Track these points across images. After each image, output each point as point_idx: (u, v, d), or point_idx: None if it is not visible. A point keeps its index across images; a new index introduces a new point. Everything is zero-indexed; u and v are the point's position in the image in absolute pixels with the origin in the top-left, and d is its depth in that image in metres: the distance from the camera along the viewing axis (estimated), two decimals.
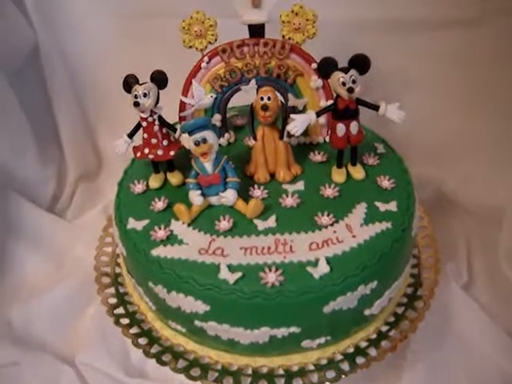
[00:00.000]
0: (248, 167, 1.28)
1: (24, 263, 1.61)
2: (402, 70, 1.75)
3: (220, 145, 1.35)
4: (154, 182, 1.27)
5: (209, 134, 1.12)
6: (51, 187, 1.86)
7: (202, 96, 1.30)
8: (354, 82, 1.13)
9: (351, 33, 1.70)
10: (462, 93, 1.79)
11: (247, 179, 1.26)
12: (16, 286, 1.55)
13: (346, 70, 1.13)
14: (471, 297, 1.44)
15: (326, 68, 1.16)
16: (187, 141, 1.14)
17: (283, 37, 1.30)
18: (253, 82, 1.30)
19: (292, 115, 1.17)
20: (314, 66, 1.29)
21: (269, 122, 1.21)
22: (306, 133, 1.28)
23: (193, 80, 1.31)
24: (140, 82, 1.19)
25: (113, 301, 1.32)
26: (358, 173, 1.25)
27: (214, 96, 1.32)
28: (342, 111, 1.17)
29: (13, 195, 1.72)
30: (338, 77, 1.13)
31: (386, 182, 1.23)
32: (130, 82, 1.19)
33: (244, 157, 1.31)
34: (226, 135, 1.39)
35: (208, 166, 1.14)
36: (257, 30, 1.30)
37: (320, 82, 1.30)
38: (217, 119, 1.35)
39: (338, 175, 1.25)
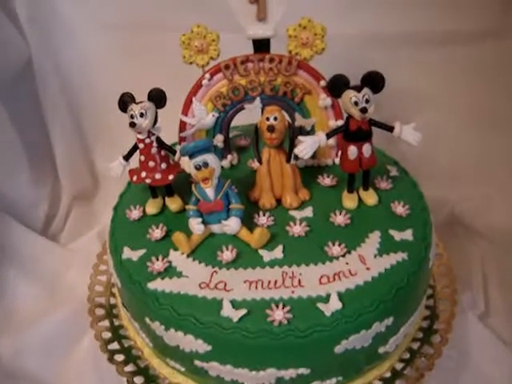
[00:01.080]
0: (252, 192, 1.20)
1: (15, 290, 1.53)
2: (413, 87, 1.68)
3: (222, 167, 1.27)
4: (152, 207, 1.19)
5: (210, 158, 1.04)
6: (44, 209, 1.79)
7: (204, 115, 1.23)
8: (367, 101, 1.05)
9: (361, 48, 1.64)
10: (477, 110, 1.72)
11: (251, 205, 1.18)
12: (6, 315, 1.47)
13: (358, 89, 1.06)
14: (488, 328, 1.36)
15: (337, 86, 1.08)
16: (187, 164, 1.07)
17: (290, 52, 1.22)
18: (257, 100, 1.23)
19: (300, 137, 1.09)
20: (323, 83, 1.22)
21: (275, 145, 1.12)
22: (314, 155, 1.19)
23: (193, 98, 1.24)
24: (137, 101, 1.11)
25: (107, 335, 1.24)
26: (370, 198, 1.18)
27: (216, 115, 1.24)
28: (353, 132, 1.09)
29: (4, 217, 1.64)
30: (350, 96, 1.05)
31: (400, 209, 1.16)
32: (125, 101, 1.12)
33: (248, 180, 1.23)
34: (229, 157, 1.32)
35: (209, 191, 1.06)
36: (262, 45, 1.23)
37: (329, 101, 1.23)
38: (219, 140, 1.28)
39: (349, 201, 1.17)
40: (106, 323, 1.27)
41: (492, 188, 1.71)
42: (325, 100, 1.23)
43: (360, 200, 1.18)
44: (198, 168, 1.04)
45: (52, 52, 1.76)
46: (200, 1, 1.63)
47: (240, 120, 1.33)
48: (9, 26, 1.61)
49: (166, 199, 1.20)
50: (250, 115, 1.27)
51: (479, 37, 1.64)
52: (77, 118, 1.89)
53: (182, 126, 1.26)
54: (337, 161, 1.28)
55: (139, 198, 1.23)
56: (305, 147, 1.07)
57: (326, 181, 1.23)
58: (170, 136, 1.22)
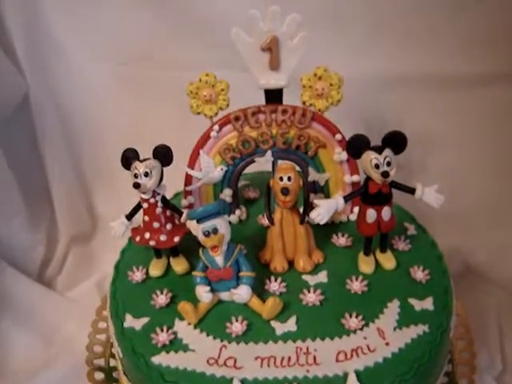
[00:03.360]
0: (263, 253, 1.13)
1: (8, 342, 1.45)
2: (428, 130, 1.61)
3: (230, 222, 1.20)
4: (155, 269, 1.12)
5: (220, 223, 0.97)
6: (41, 251, 1.72)
7: (211, 169, 1.15)
8: (388, 164, 0.98)
9: (375, 90, 1.57)
10: (494, 155, 1.66)
11: (262, 268, 1.11)
12: None
13: (379, 150, 0.99)
14: None
15: (357, 147, 1.01)
16: (195, 228, 1.00)
17: (304, 103, 1.16)
18: (269, 153, 1.16)
19: (316, 201, 1.01)
20: (339, 137, 1.16)
21: (289, 207, 1.05)
22: None
23: (201, 151, 1.17)
24: (141, 158, 1.04)
25: None
26: (388, 262, 1.11)
27: (225, 169, 1.17)
28: (373, 195, 1.02)
29: None
30: (370, 158, 0.99)
31: (419, 274, 1.09)
32: (129, 158, 1.04)
33: (257, 238, 1.17)
34: (237, 212, 1.25)
35: (219, 259, 0.99)
36: (274, 95, 1.16)
37: (344, 155, 1.16)
38: (227, 194, 1.21)
39: (366, 265, 1.10)
40: None
41: (510, 235, 1.64)
42: (340, 154, 1.16)
43: (377, 262, 1.11)
44: (206, 234, 0.97)
45: (50, 88, 1.68)
46: (206, 35, 1.57)
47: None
48: (5, 60, 1.53)
49: (171, 259, 1.13)
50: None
51: (496, 80, 1.58)
52: (75, 156, 1.81)
53: (188, 180, 1.19)
54: (351, 217, 1.21)
55: (142, 257, 1.15)
56: (321, 212, 1.00)
57: (341, 240, 1.17)
58: (173, 186, 1.18)
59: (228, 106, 1.16)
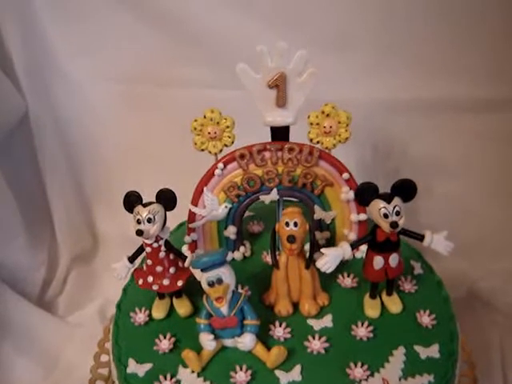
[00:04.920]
0: (267, 296, 1.11)
1: (8, 370, 1.43)
2: (435, 156, 1.59)
3: (233, 259, 1.19)
4: (158, 311, 1.10)
5: (225, 272, 0.95)
6: (42, 272, 1.70)
7: (215, 206, 1.13)
8: (397, 213, 0.96)
9: (382, 113, 1.54)
10: (502, 181, 1.64)
11: (266, 310, 1.09)
12: None
13: (388, 199, 0.96)
14: None
15: (366, 195, 0.99)
16: (199, 276, 0.98)
17: (311, 140, 1.14)
18: (274, 191, 1.14)
19: (323, 249, 0.99)
20: (346, 175, 1.13)
21: (295, 254, 1.03)
22: None
23: (205, 188, 1.14)
24: (144, 202, 1.01)
25: None
26: (394, 305, 1.09)
27: (229, 206, 1.15)
28: (381, 243, 1.00)
29: None
30: (378, 206, 0.97)
31: (426, 318, 1.07)
32: (132, 201, 1.02)
33: (261, 276, 1.15)
34: (242, 248, 1.23)
35: (223, 308, 0.97)
36: (281, 133, 1.13)
37: (351, 194, 1.13)
38: (231, 232, 1.19)
39: (372, 309, 1.08)
40: None
41: None
42: (347, 193, 1.14)
43: (383, 305, 1.09)
44: (210, 284, 0.95)
45: (50, 107, 1.66)
46: (207, 55, 1.54)
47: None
48: (4, 79, 1.50)
49: (174, 300, 1.11)
50: None
51: (502, 106, 1.55)
52: (76, 175, 1.79)
53: (192, 217, 1.17)
54: (358, 255, 1.19)
55: (145, 296, 1.13)
56: (328, 260, 0.98)
57: (346, 281, 1.15)
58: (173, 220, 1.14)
59: (233, 142, 1.13)
